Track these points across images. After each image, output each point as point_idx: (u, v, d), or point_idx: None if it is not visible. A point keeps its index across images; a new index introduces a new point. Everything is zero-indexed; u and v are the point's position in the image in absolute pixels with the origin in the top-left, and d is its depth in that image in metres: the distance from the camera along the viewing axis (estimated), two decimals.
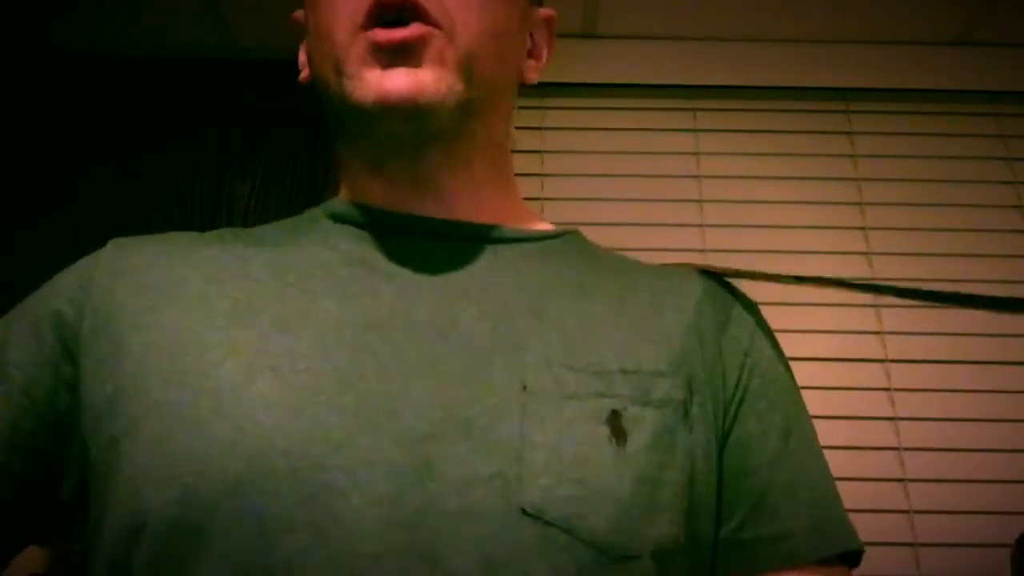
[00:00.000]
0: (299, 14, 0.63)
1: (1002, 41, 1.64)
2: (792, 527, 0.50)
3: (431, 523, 0.42)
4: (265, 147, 1.62)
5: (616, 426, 0.47)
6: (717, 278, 0.60)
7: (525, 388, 0.47)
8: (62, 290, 0.53)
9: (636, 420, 0.48)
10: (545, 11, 0.64)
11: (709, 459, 0.50)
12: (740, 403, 0.53)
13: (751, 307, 0.59)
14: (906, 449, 1.42)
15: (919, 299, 0.57)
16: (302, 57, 0.62)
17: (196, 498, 0.43)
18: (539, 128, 1.62)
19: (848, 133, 1.64)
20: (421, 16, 0.51)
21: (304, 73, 0.61)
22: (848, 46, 1.65)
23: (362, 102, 0.51)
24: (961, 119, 1.64)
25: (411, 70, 0.51)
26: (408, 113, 0.51)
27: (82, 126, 1.63)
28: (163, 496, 0.43)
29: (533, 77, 0.62)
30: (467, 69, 0.52)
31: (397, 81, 0.50)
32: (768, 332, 0.59)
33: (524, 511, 0.43)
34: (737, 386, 0.53)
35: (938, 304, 0.59)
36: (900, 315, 1.51)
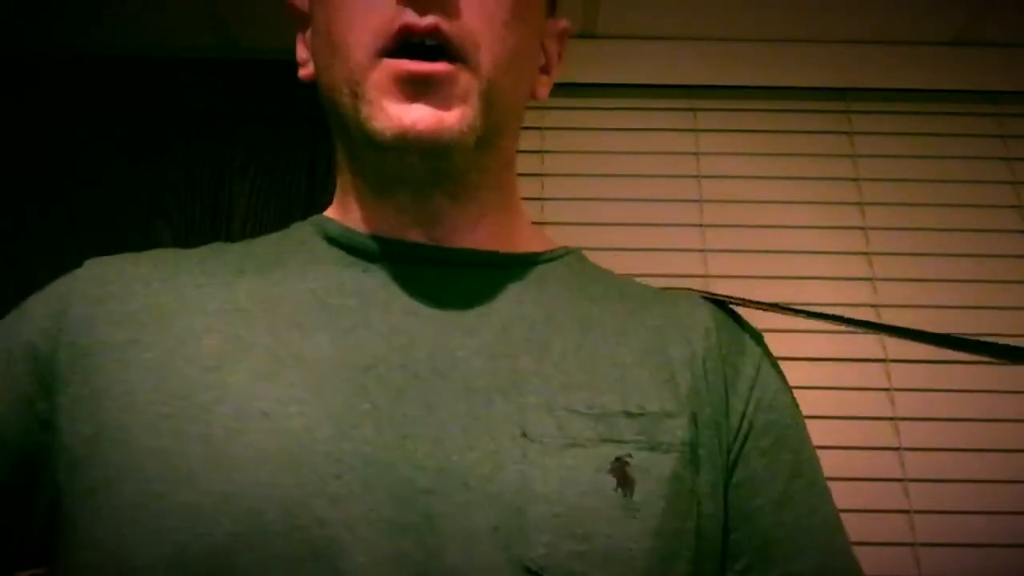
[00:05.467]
0: (300, 0, 0.59)
1: (1002, 41, 1.64)
2: (799, 571, 0.49)
3: None
4: (265, 147, 1.62)
5: (622, 475, 0.45)
6: (723, 307, 0.58)
7: (525, 434, 0.45)
8: (35, 320, 0.50)
9: (643, 467, 0.45)
10: (560, 23, 0.62)
11: (716, 500, 0.49)
12: (745, 439, 0.51)
13: (757, 338, 0.57)
14: (906, 449, 1.42)
15: (925, 342, 0.56)
16: (301, 52, 0.59)
17: (188, 557, 0.40)
18: (539, 128, 1.61)
19: (848, 133, 1.64)
20: (446, 44, 0.49)
21: (305, 71, 0.58)
22: (848, 46, 1.65)
23: (380, 133, 0.49)
24: (961, 119, 1.63)
25: (435, 108, 0.48)
26: (427, 150, 0.49)
27: (82, 126, 1.63)
28: (153, 554, 0.41)
29: (544, 93, 0.60)
30: (487, 102, 0.50)
31: (421, 117, 0.48)
32: (774, 364, 0.57)
33: (527, 569, 0.41)
34: (742, 422, 0.51)
35: (943, 347, 0.58)
36: (900, 315, 1.51)
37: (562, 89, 1.69)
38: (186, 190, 1.58)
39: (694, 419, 0.49)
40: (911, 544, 1.37)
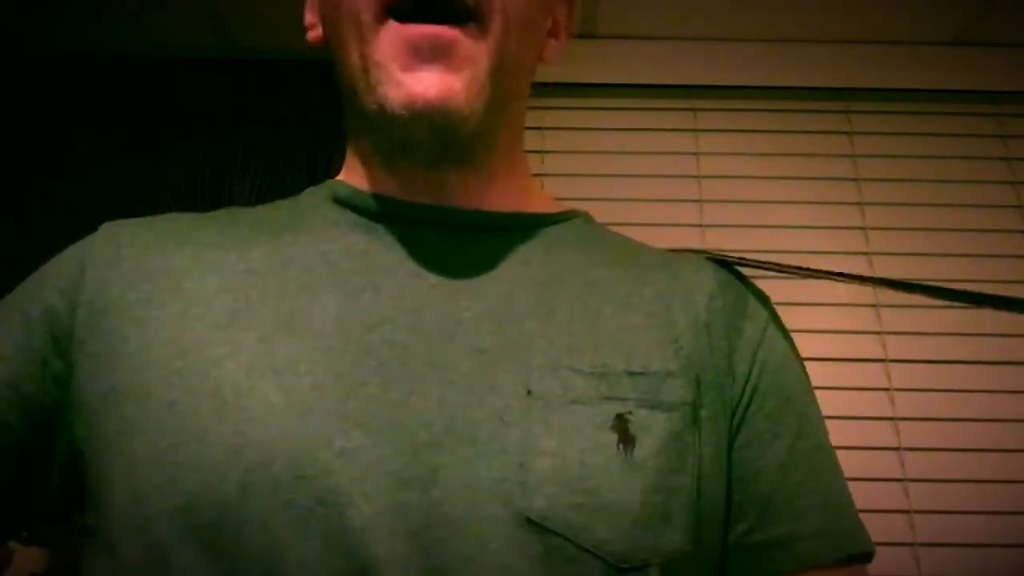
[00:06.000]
0: None
1: (1002, 41, 1.64)
2: (804, 529, 0.49)
3: (436, 533, 0.42)
4: (265, 147, 1.62)
5: (623, 432, 0.46)
6: (730, 268, 0.58)
7: (530, 392, 0.46)
8: (53, 282, 0.51)
9: (644, 425, 0.46)
10: None
11: (718, 462, 0.49)
12: (750, 401, 0.51)
13: (764, 300, 0.57)
14: (906, 449, 1.42)
15: (919, 293, 0.56)
16: (310, 16, 0.59)
17: (200, 506, 0.42)
18: (539, 128, 1.62)
19: (848, 133, 1.64)
20: (460, 3, 0.49)
21: (314, 33, 0.58)
22: (848, 46, 1.65)
23: (389, 101, 0.49)
24: (961, 119, 1.64)
25: (444, 74, 0.48)
26: (436, 120, 0.49)
27: (82, 126, 1.63)
28: (166, 504, 0.42)
29: (552, 58, 0.60)
30: (498, 65, 0.50)
31: (429, 85, 0.48)
32: (781, 326, 0.57)
33: (529, 520, 0.42)
34: (747, 383, 0.52)
35: (936, 297, 0.57)
36: (900, 315, 1.51)
37: (562, 89, 1.69)
38: (186, 190, 1.58)
39: (697, 381, 0.49)
40: (911, 544, 1.37)
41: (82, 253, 0.53)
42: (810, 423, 0.53)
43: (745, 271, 0.59)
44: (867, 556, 0.51)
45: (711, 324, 0.52)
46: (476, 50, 0.49)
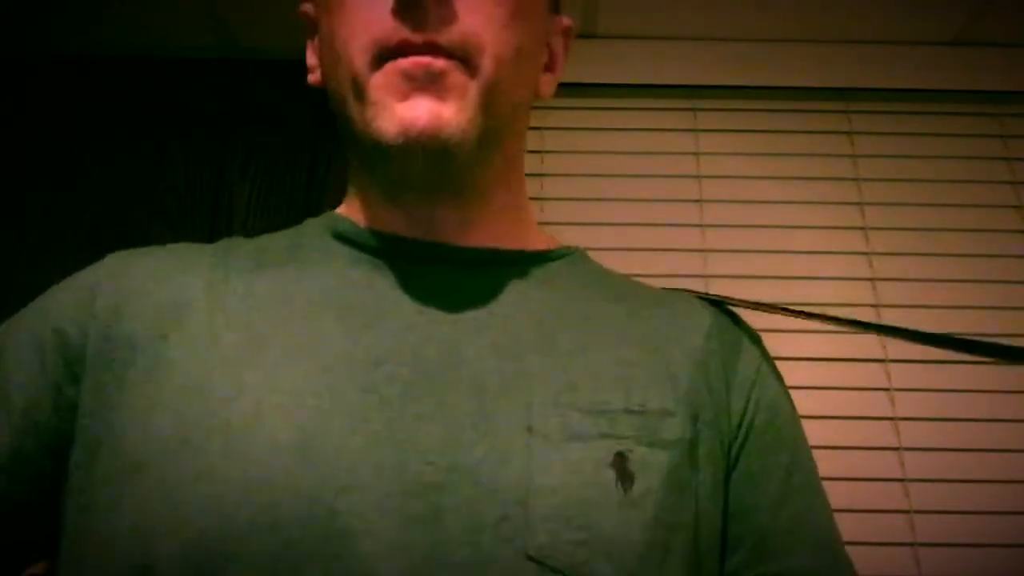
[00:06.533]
0: (307, 7, 0.60)
1: (1002, 41, 1.64)
2: (795, 567, 0.50)
3: (439, 572, 0.42)
4: (265, 147, 1.62)
5: (622, 469, 0.46)
6: (723, 309, 0.59)
7: (530, 429, 0.46)
8: (62, 308, 0.51)
9: (643, 462, 0.47)
10: (564, 20, 0.62)
11: (715, 498, 0.50)
12: (745, 438, 0.53)
13: (756, 340, 0.59)
14: (906, 449, 1.42)
15: (926, 343, 0.56)
16: (311, 58, 0.60)
17: (208, 543, 0.42)
18: (539, 128, 1.61)
19: (848, 133, 1.64)
20: (444, 53, 0.49)
21: (314, 77, 0.59)
22: (848, 46, 1.65)
23: (383, 132, 0.49)
24: (961, 119, 1.63)
25: (434, 102, 0.49)
26: (429, 147, 0.49)
27: (82, 126, 1.63)
28: (174, 540, 0.42)
29: (548, 91, 0.60)
30: (488, 101, 0.51)
31: (420, 114, 0.49)
32: (772, 366, 0.58)
33: (529, 557, 0.43)
34: (742, 422, 0.53)
35: (945, 348, 0.58)
36: (900, 315, 1.51)
37: (562, 89, 1.66)
38: (186, 191, 1.58)
39: (694, 418, 0.50)
40: (911, 544, 1.37)
41: (91, 280, 0.53)
42: (801, 460, 0.55)
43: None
44: None
45: (707, 363, 0.53)
46: (466, 84, 0.50)
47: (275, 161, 1.61)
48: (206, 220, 1.55)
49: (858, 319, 0.62)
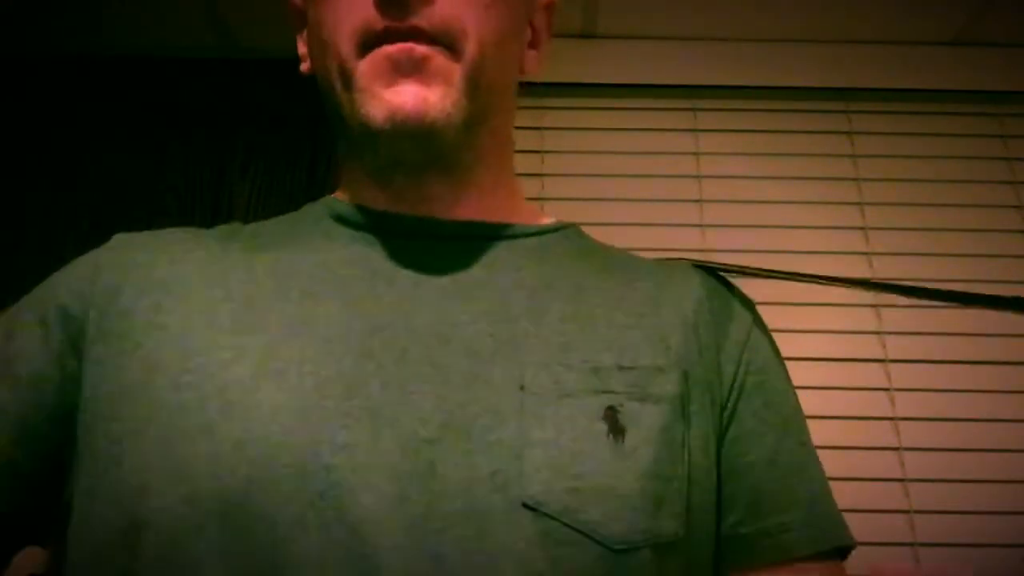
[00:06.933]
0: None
1: (1002, 41, 1.64)
2: (789, 522, 0.51)
3: (435, 523, 0.43)
4: (265, 147, 1.62)
5: (613, 422, 0.48)
6: (715, 275, 0.60)
7: (523, 388, 0.48)
8: (68, 284, 0.53)
9: (633, 416, 0.48)
10: None
11: (708, 455, 0.51)
12: (737, 400, 0.54)
13: (748, 305, 0.60)
14: (906, 449, 1.42)
15: (919, 296, 0.57)
16: (301, 48, 0.62)
17: (206, 498, 0.43)
18: (539, 128, 1.61)
19: (848, 133, 1.64)
20: (428, 39, 0.51)
21: (305, 66, 0.61)
22: (848, 46, 1.65)
23: (372, 118, 0.51)
24: (961, 119, 1.64)
25: (420, 87, 0.51)
26: (416, 132, 0.51)
27: (82, 126, 1.63)
28: (172, 495, 0.43)
29: (534, 68, 0.62)
30: (473, 84, 0.52)
31: (406, 100, 0.50)
32: (765, 330, 0.59)
33: (524, 504, 0.44)
34: (734, 383, 0.54)
35: (938, 302, 0.59)
36: (900, 315, 1.51)
37: (562, 89, 1.69)
38: (186, 190, 1.58)
39: (685, 377, 0.51)
40: (911, 544, 1.37)
41: (95, 259, 0.55)
42: (794, 421, 0.56)
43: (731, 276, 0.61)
44: (848, 550, 0.54)
45: (698, 326, 0.55)
46: (450, 68, 0.52)
47: (275, 161, 1.61)
48: (206, 220, 1.55)
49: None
